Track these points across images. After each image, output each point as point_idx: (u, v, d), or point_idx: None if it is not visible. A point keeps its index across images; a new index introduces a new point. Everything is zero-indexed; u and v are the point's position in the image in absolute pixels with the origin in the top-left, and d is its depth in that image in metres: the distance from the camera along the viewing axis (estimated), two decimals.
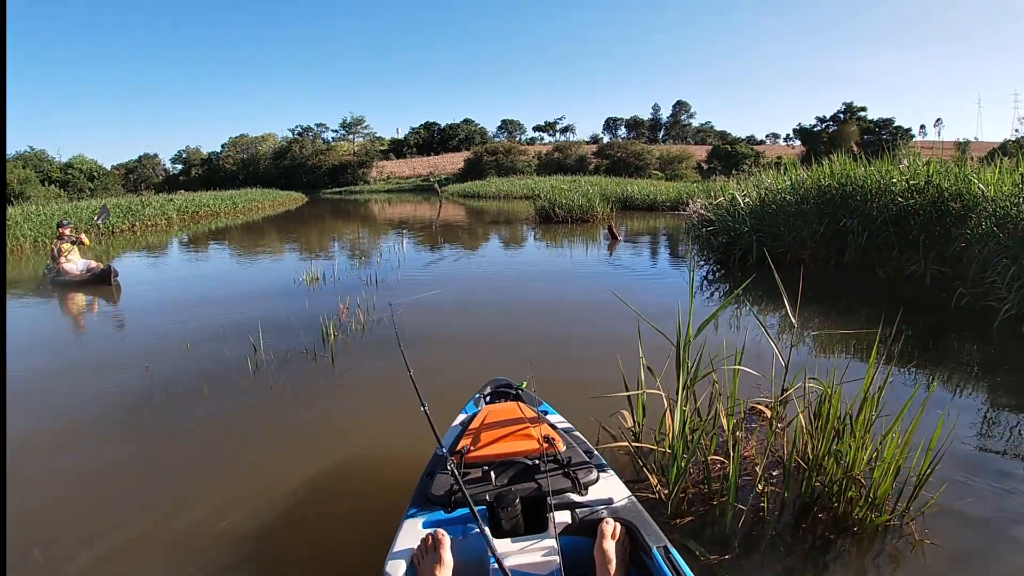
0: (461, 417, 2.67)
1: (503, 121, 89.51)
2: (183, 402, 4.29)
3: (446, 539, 1.77)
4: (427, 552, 1.75)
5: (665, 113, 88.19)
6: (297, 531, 2.70)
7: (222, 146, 74.59)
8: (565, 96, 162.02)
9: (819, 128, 60.25)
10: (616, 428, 3.22)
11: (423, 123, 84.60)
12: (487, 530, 1.77)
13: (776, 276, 2.94)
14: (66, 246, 9.80)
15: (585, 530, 1.88)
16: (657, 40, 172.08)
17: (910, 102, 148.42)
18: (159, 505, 2.92)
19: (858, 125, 55.94)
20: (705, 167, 55.89)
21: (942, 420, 2.50)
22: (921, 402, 2.57)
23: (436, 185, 45.97)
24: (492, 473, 2.06)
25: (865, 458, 2.49)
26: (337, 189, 62.79)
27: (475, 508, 1.76)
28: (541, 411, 2.61)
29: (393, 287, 8.42)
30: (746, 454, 2.66)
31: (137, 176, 68.46)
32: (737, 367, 2.80)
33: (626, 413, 3.09)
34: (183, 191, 35.66)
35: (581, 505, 1.95)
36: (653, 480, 2.60)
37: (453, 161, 69.21)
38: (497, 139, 79.40)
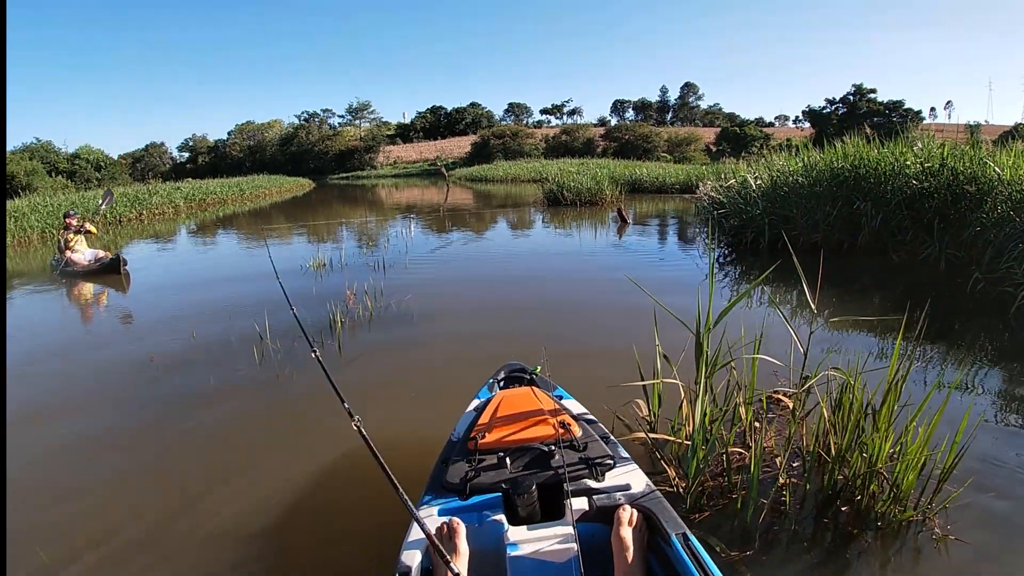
0: (475, 403, 2.62)
1: (510, 104, 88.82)
2: (189, 392, 4.23)
3: (461, 527, 1.74)
4: (442, 541, 1.71)
5: (673, 95, 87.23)
6: (309, 521, 2.65)
7: (228, 133, 74.56)
8: (572, 78, 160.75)
9: (829, 110, 59.54)
10: (630, 417, 3.13)
11: (429, 107, 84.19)
12: (503, 517, 1.75)
13: (795, 261, 2.83)
14: (72, 236, 9.78)
15: (602, 517, 1.84)
16: (665, 20, 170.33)
17: (920, 84, 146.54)
18: (165, 497, 2.88)
19: (868, 107, 55.24)
20: (714, 149, 55.36)
21: (968, 412, 2.41)
22: (945, 393, 2.49)
23: (443, 169, 45.78)
24: (507, 459, 2.01)
25: (888, 450, 2.40)
26: (344, 174, 62.60)
27: (491, 495, 1.74)
28: (556, 396, 2.56)
29: (401, 272, 8.34)
30: (765, 445, 2.57)
31: (144, 165, 68.55)
32: (756, 356, 2.70)
33: (641, 402, 3.00)
34: (190, 179, 35.72)
35: (598, 491, 1.91)
36: (671, 473, 2.51)
37: (460, 145, 68.84)
38: (504, 122, 78.91)
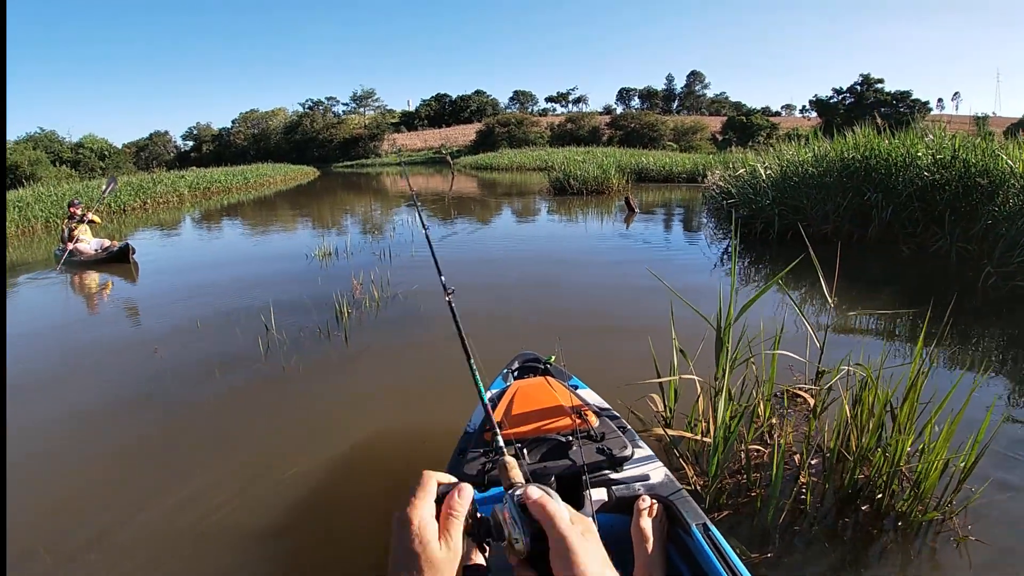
0: (490, 393, 2.56)
1: (515, 92, 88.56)
2: (193, 385, 4.18)
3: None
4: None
5: (679, 83, 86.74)
6: (318, 515, 2.61)
7: (233, 122, 74.53)
8: (577, 66, 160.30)
9: (836, 100, 59.07)
10: (644, 411, 3.07)
11: (434, 95, 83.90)
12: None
13: (812, 254, 2.76)
14: (77, 225, 9.73)
15: (622, 507, 1.80)
16: (671, 8, 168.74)
17: (928, 74, 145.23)
18: (170, 491, 2.83)
19: (875, 97, 54.79)
20: (720, 138, 55.07)
21: (991, 410, 2.35)
22: (964, 389, 2.41)
23: (448, 157, 45.59)
24: (525, 451, 1.96)
25: (907, 448, 2.34)
26: (348, 163, 62.57)
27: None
28: (571, 385, 2.51)
29: (407, 262, 8.28)
30: (783, 441, 2.51)
31: (148, 154, 68.56)
32: (776, 351, 2.64)
33: (656, 397, 2.94)
34: (194, 167, 35.67)
35: (617, 482, 1.87)
36: (690, 471, 2.44)
37: (465, 133, 68.67)
38: (509, 110, 78.58)
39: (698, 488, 2.44)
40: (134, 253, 9.14)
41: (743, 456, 2.54)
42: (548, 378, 2.43)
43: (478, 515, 0.73)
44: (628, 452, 1.98)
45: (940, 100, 75.03)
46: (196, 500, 2.75)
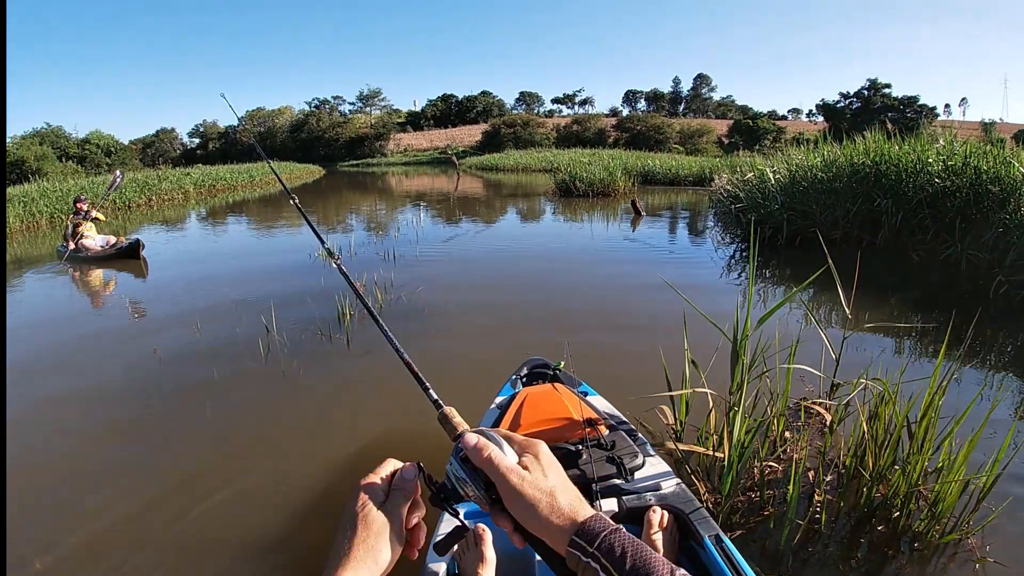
0: (498, 400, 2.53)
1: (521, 93, 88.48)
2: (191, 387, 4.11)
3: (487, 534, 1.63)
4: (469, 548, 1.63)
5: (686, 86, 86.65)
6: (317, 518, 2.58)
7: (239, 119, 74.37)
8: (584, 68, 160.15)
9: (842, 104, 58.91)
10: (654, 423, 2.99)
11: (440, 95, 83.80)
12: None
13: (831, 262, 2.68)
14: (81, 220, 9.68)
15: (633, 518, 1.76)
16: (678, 10, 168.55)
17: (935, 80, 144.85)
18: (165, 497, 2.78)
19: (882, 102, 54.64)
20: (726, 142, 54.94)
21: (1012, 432, 2.27)
22: (983, 406, 2.34)
23: (454, 158, 45.61)
24: None
25: (924, 465, 2.26)
26: (354, 162, 62.54)
27: None
28: (581, 392, 2.47)
29: (411, 263, 8.22)
30: (797, 458, 2.43)
31: (155, 150, 68.67)
32: (791, 365, 2.55)
33: (666, 409, 2.86)
34: (200, 165, 35.70)
35: (627, 492, 1.83)
36: (702, 488, 2.36)
37: (471, 133, 68.61)
38: (515, 111, 78.56)
39: (710, 505, 2.36)
40: (144, 248, 9.12)
41: (756, 472, 2.46)
42: (557, 385, 2.40)
43: (435, 481, 0.73)
44: (639, 461, 1.95)
45: (947, 105, 75.03)
46: (193, 503, 2.71)
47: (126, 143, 59.87)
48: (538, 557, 1.53)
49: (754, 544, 2.24)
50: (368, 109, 74.65)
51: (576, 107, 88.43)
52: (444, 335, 4.97)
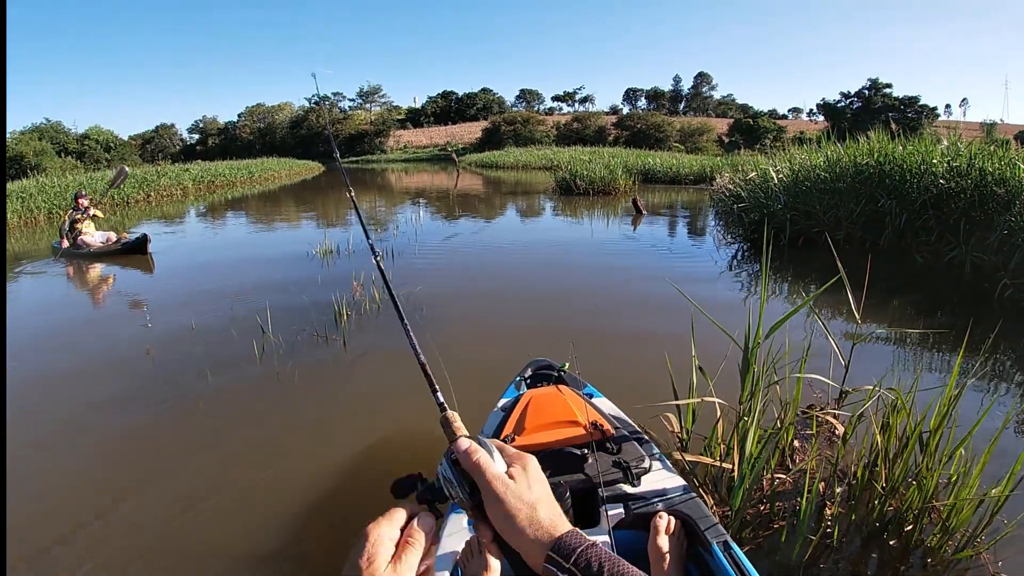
0: (502, 402, 2.47)
1: (521, 90, 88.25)
2: (184, 389, 4.03)
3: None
4: (473, 555, 1.57)
5: (686, 85, 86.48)
6: (315, 521, 2.53)
7: (239, 115, 74.42)
8: (584, 66, 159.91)
9: (843, 104, 58.86)
10: (659, 430, 2.90)
11: (440, 92, 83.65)
12: None
13: (840, 266, 2.59)
14: (80, 217, 9.59)
15: (639, 524, 1.72)
16: (679, 9, 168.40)
17: (936, 80, 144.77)
18: (160, 502, 2.72)
19: (883, 102, 54.61)
20: (726, 140, 54.87)
21: None
22: (996, 416, 2.27)
23: (453, 155, 45.50)
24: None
25: (937, 478, 2.18)
26: (354, 158, 62.39)
27: None
28: (586, 394, 2.41)
29: (411, 261, 8.14)
30: (807, 469, 2.35)
31: (154, 146, 68.46)
32: (802, 375, 2.46)
33: (672, 416, 2.78)
34: (200, 161, 35.60)
35: (634, 497, 1.79)
36: (710, 501, 2.28)
37: (471, 131, 68.48)
38: (515, 109, 78.39)
39: (718, 518, 2.28)
40: (150, 243, 9.09)
41: (766, 484, 2.37)
42: (562, 387, 2.35)
43: (425, 480, 0.74)
44: (646, 465, 1.91)
45: (948, 106, 75.16)
46: (189, 506, 2.65)
47: (125, 139, 59.78)
48: None
49: (765, 559, 2.16)
50: (368, 106, 74.47)
51: (576, 105, 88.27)
52: (444, 335, 4.88)
